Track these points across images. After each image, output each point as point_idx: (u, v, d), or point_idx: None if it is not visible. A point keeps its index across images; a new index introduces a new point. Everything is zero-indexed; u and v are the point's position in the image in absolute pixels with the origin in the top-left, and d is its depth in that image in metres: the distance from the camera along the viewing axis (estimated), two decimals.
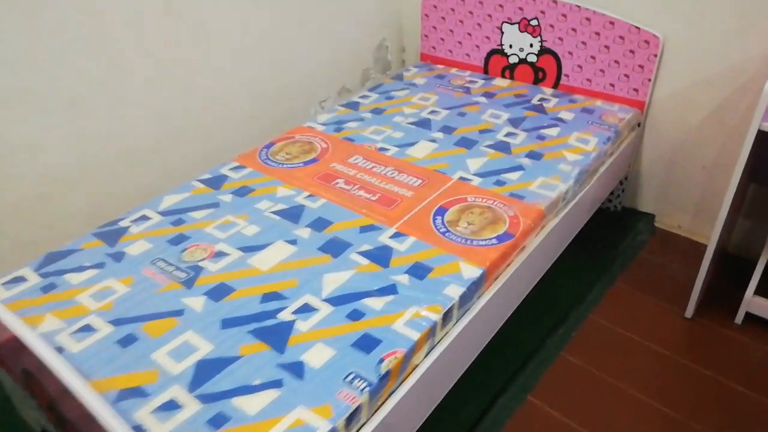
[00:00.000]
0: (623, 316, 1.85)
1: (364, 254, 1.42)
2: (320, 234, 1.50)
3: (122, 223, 1.56)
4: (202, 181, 1.74)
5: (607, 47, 2.06)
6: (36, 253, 1.53)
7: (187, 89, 1.93)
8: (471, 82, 2.35)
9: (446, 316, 1.26)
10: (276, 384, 1.09)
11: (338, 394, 1.07)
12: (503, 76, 2.39)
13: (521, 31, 2.25)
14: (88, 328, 1.22)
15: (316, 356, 1.14)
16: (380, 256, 1.41)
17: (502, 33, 2.30)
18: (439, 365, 1.26)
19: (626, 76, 2.07)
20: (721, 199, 2.03)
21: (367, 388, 1.08)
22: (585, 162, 1.77)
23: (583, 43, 2.11)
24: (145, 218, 1.58)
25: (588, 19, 2.06)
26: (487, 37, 2.35)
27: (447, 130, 1.99)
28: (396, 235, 1.49)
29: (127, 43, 1.71)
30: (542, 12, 2.16)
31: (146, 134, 1.86)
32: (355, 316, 1.24)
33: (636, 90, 2.07)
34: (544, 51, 2.23)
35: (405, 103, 2.19)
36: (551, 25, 2.16)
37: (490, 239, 1.46)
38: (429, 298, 1.28)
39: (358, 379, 1.10)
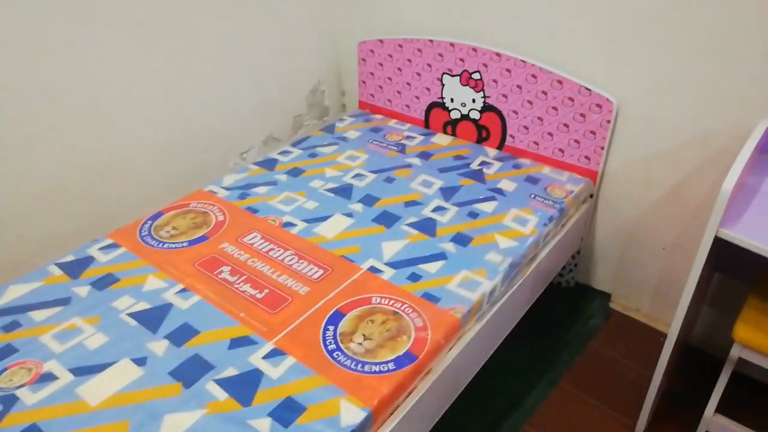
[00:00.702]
0: (563, 430, 1.58)
1: (224, 383, 1.14)
2: (178, 350, 1.21)
3: None
4: (61, 266, 1.45)
5: (555, 108, 1.81)
6: None
7: (73, 143, 1.63)
8: (409, 137, 2.08)
9: None
10: None
11: None
12: (445, 132, 2.13)
13: (463, 85, 1.99)
14: None
15: None
16: (244, 387, 1.13)
17: (443, 85, 2.05)
18: None
19: (576, 141, 1.82)
20: (682, 285, 1.78)
21: None
22: (519, 251, 1.50)
23: (529, 102, 1.86)
24: None
25: (534, 77, 1.81)
26: (427, 89, 2.10)
27: (369, 200, 1.71)
28: (273, 354, 1.20)
29: None
30: (484, 65, 1.90)
31: (20, 196, 1.56)
32: None
33: (587, 158, 1.82)
34: (487, 108, 1.97)
35: (329, 163, 1.92)
36: (494, 81, 1.90)
37: (387, 363, 1.18)
38: None
39: None
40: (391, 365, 1.18)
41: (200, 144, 2.01)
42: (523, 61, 1.80)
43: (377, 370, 1.16)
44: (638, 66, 1.62)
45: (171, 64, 1.81)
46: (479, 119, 2.01)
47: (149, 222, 1.62)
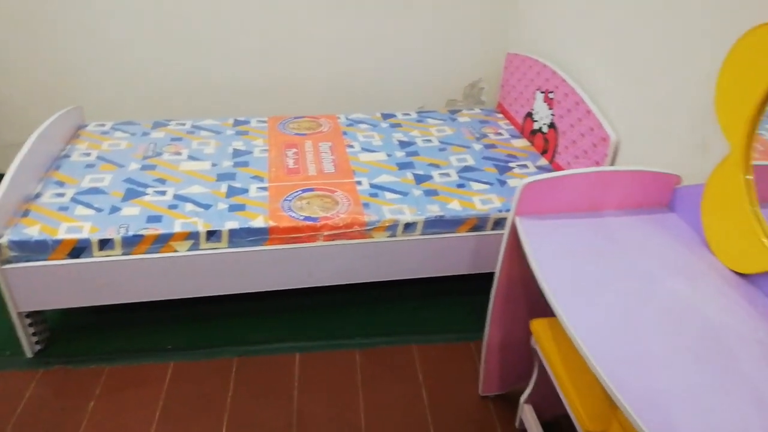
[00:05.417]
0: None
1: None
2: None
3: None
4: (235, 122, 2.58)
5: (582, 134, 2.05)
6: None
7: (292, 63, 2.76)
8: (498, 134, 2.53)
9: None
10: None
11: None
12: (529, 140, 2.49)
13: (544, 102, 2.34)
14: None
15: None
16: None
17: (535, 99, 2.42)
18: None
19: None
20: None
21: None
22: (461, 213, 1.94)
23: (571, 125, 2.13)
24: None
25: (577, 104, 2.08)
26: (528, 100, 2.49)
27: (411, 152, 2.32)
28: (258, 179, 2.04)
29: None
30: (556, 87, 2.23)
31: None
32: None
33: None
34: (551, 125, 2.29)
35: (422, 128, 2.56)
36: (558, 102, 2.22)
37: (300, 214, 1.89)
38: None
39: None
40: (302, 216, 1.89)
41: (367, 88, 2.88)
42: (574, 90, 2.09)
43: (294, 214, 1.89)
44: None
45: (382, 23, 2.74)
46: (546, 133, 2.33)
47: (298, 118, 2.62)
